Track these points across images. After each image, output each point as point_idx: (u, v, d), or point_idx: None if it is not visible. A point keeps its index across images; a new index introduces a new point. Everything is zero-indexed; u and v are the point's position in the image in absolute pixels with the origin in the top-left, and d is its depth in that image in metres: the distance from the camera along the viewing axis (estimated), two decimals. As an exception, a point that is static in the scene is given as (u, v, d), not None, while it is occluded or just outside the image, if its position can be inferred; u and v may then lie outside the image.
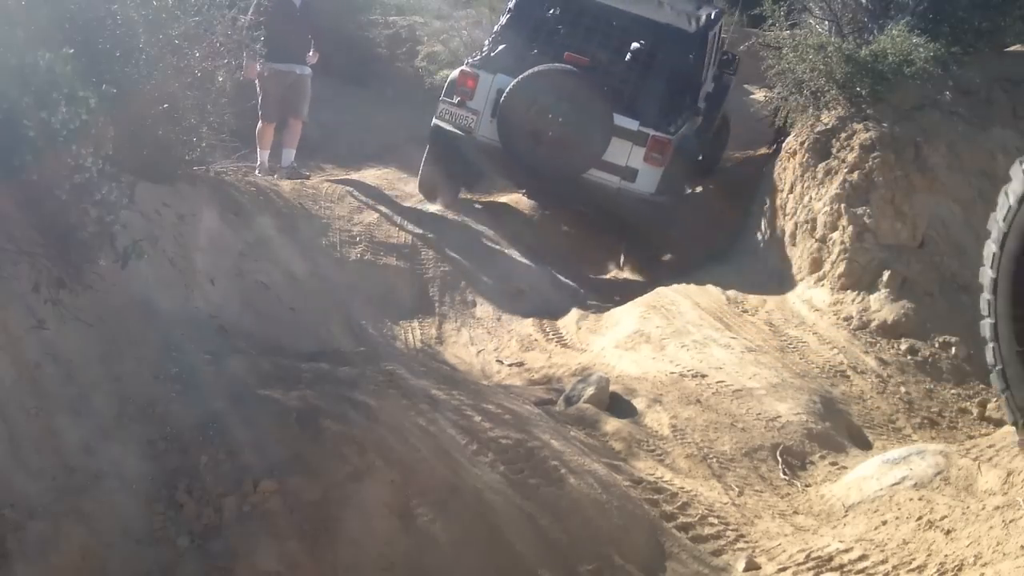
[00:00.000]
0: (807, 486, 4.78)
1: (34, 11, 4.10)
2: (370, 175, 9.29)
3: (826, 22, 8.95)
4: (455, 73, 8.24)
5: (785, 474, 4.81)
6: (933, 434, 5.68)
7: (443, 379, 5.15)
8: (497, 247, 8.12)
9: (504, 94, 7.75)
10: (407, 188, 9.09)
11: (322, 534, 3.62)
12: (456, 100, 8.03)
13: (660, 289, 7.33)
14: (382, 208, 8.32)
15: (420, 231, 8.03)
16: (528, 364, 6.34)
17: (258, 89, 8.32)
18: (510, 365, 6.34)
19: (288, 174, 8.44)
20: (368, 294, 6.85)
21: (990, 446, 4.55)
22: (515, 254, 8.07)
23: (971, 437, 5.49)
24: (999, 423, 5.48)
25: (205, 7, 5.80)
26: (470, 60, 8.28)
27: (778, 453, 4.95)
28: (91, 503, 3.51)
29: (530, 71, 7.75)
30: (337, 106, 9.74)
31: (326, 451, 3.89)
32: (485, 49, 8.29)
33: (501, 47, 8.16)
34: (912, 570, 3.73)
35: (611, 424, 5.03)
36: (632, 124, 7.77)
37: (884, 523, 4.12)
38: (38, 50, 3.88)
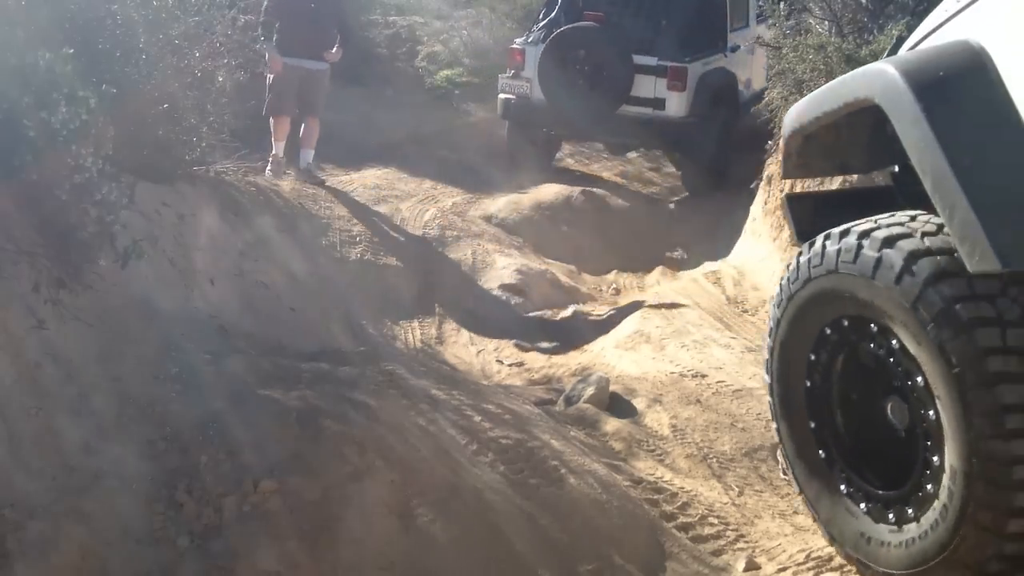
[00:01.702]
0: (807, 486, 4.78)
1: (34, 11, 4.10)
2: (370, 175, 9.29)
3: (826, 22, 8.94)
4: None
5: (785, 474, 4.81)
6: (933, 434, 5.67)
7: (443, 379, 5.15)
8: (498, 247, 8.12)
9: (539, 57, 9.27)
10: (407, 188, 9.10)
11: (322, 534, 3.62)
12: (511, 73, 9.73)
13: (658, 290, 7.33)
14: (382, 208, 8.32)
15: (420, 231, 8.04)
16: (528, 364, 6.34)
17: (267, 80, 8.13)
18: (510, 365, 6.35)
19: (304, 177, 8.27)
20: (368, 294, 6.85)
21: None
22: (516, 254, 8.07)
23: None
24: None
25: (205, 7, 5.80)
26: (518, 41, 10.00)
27: (778, 453, 4.95)
28: (91, 503, 3.51)
29: (555, 33, 9.25)
30: (337, 106, 9.73)
31: (326, 451, 3.89)
32: (532, 32, 9.92)
33: (541, 24, 9.79)
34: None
35: (611, 424, 5.03)
36: (651, 60, 9.12)
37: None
38: (38, 50, 3.88)
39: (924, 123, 2.54)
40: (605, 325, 6.83)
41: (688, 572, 3.94)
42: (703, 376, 5.69)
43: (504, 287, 7.42)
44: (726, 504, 4.41)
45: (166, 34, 5.29)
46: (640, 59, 9.11)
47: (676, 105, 9.07)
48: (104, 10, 4.65)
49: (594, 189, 9.58)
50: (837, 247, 2.69)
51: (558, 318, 7.17)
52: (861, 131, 2.86)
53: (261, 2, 8.11)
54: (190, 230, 5.46)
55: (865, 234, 2.64)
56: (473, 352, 6.56)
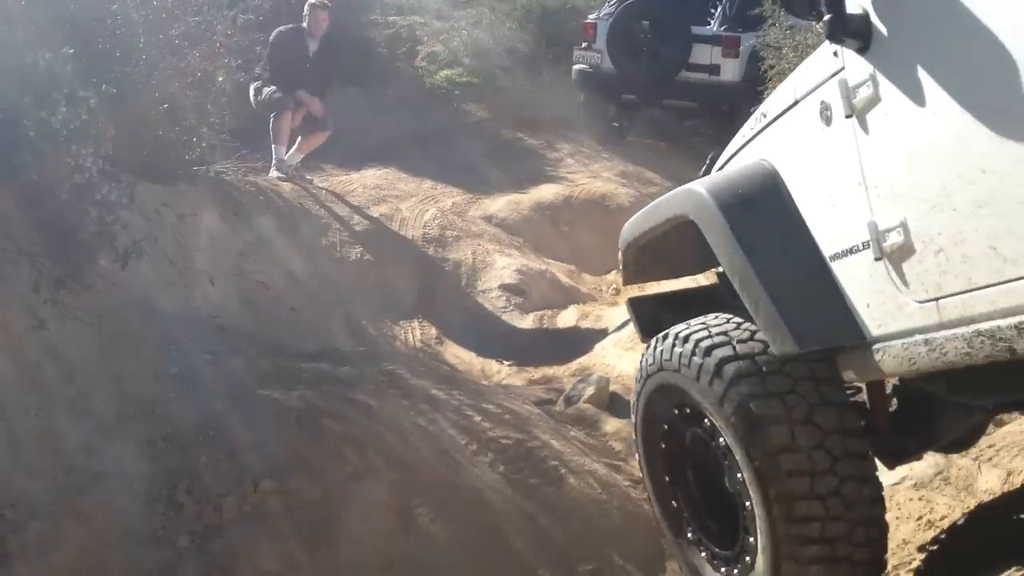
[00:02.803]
0: (807, 486, 4.77)
1: (34, 11, 4.10)
2: (370, 175, 9.29)
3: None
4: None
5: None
6: (933, 434, 5.67)
7: (443, 379, 5.15)
8: (499, 247, 8.12)
9: (607, 29, 10.34)
10: (407, 188, 9.10)
11: (322, 534, 3.62)
12: (584, 46, 10.70)
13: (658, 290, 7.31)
14: (382, 208, 8.31)
15: (420, 231, 8.04)
16: (528, 364, 6.33)
17: (256, 96, 8.12)
18: (510, 365, 6.34)
19: (291, 174, 8.24)
20: (368, 294, 6.84)
21: (990, 446, 4.55)
22: (516, 254, 8.07)
23: (971, 437, 5.48)
24: (998, 424, 5.48)
25: (205, 7, 5.80)
26: (591, 16, 11.01)
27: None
28: (91, 503, 3.51)
29: (621, 6, 10.35)
30: (337, 106, 9.72)
31: (326, 451, 3.89)
32: (604, 7, 10.95)
33: (611, 0, 10.82)
34: (912, 570, 3.73)
35: (611, 424, 5.03)
36: (708, 31, 10.20)
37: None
38: (38, 50, 3.88)
39: (729, 234, 3.02)
40: (605, 325, 6.83)
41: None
42: (703, 376, 5.68)
43: (504, 287, 7.42)
44: (726, 504, 4.42)
45: (166, 34, 5.29)
46: (698, 30, 10.16)
47: (730, 71, 10.11)
48: (104, 10, 4.65)
49: (594, 189, 9.58)
50: (665, 351, 3.16)
51: (558, 318, 7.17)
52: (686, 240, 3.26)
53: (263, 52, 8.12)
54: (190, 230, 5.46)
55: (686, 340, 3.09)
56: (473, 352, 6.56)
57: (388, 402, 4.35)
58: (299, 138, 8.41)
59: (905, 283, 2.69)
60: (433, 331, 6.73)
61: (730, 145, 3.51)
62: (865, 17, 2.67)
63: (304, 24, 8.26)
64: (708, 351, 3.02)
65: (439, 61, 12.03)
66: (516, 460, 4.22)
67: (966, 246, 2.50)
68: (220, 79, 6.19)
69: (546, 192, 9.34)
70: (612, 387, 5.43)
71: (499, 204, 9.10)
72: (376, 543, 3.66)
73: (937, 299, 2.59)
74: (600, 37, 10.58)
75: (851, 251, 2.85)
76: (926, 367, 2.64)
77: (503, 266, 7.75)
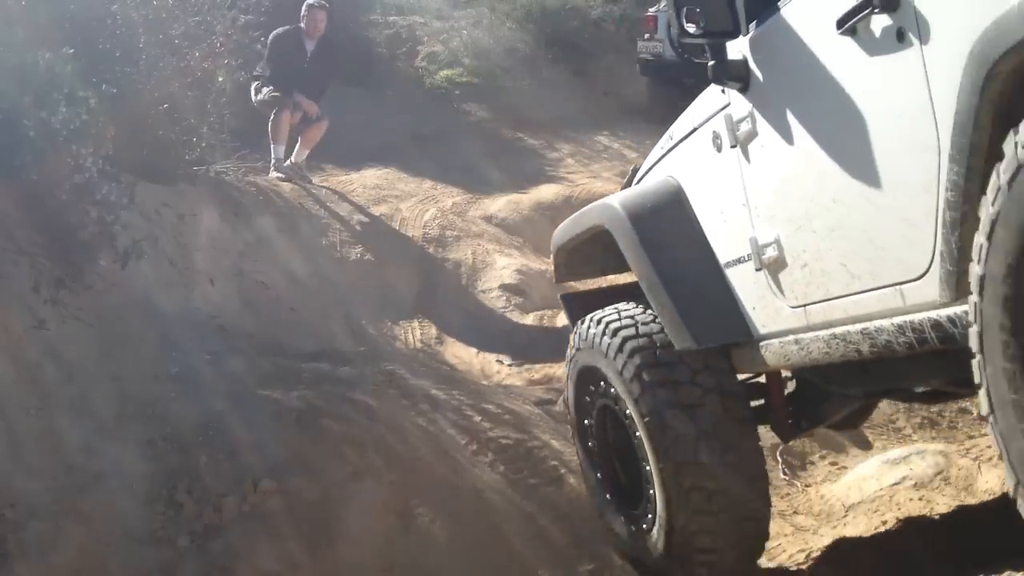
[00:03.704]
0: (807, 486, 4.78)
1: (34, 11, 4.11)
2: (370, 175, 9.29)
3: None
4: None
5: (785, 474, 4.81)
6: (933, 434, 5.67)
7: (443, 379, 5.15)
8: (499, 247, 8.12)
9: (667, 21, 10.67)
10: (407, 188, 9.09)
11: (322, 534, 3.62)
12: (647, 36, 11.26)
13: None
14: (382, 208, 8.31)
15: (420, 231, 8.04)
16: (528, 364, 6.33)
17: (257, 96, 8.14)
18: (510, 365, 6.34)
19: (292, 173, 8.23)
20: (368, 294, 6.84)
21: (990, 446, 4.55)
22: (516, 254, 8.07)
23: (971, 437, 5.48)
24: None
25: (205, 7, 5.80)
26: (652, 8, 11.45)
27: (778, 453, 4.94)
28: (91, 503, 3.51)
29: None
30: (337, 106, 9.72)
31: (326, 451, 3.89)
32: (662, 2, 11.34)
33: None
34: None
35: (611, 424, 5.03)
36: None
37: (884, 523, 4.12)
38: (38, 50, 3.88)
39: (637, 243, 3.49)
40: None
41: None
42: (703, 376, 5.68)
43: (504, 287, 7.42)
44: (726, 504, 4.41)
45: (166, 34, 5.29)
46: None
47: None
48: (104, 10, 4.65)
49: (594, 189, 9.58)
50: (583, 332, 3.69)
51: (558, 318, 7.17)
52: (608, 245, 3.69)
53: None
54: (190, 230, 5.46)
55: (599, 322, 3.63)
56: (473, 352, 6.56)
57: (388, 402, 4.35)
58: (299, 137, 8.40)
59: (780, 291, 3.12)
60: (433, 331, 6.73)
61: (647, 160, 3.94)
62: (744, 63, 3.10)
63: (302, 24, 8.27)
64: (615, 332, 3.53)
65: (439, 61, 12.03)
66: (516, 460, 4.22)
67: (824, 262, 2.92)
68: (220, 79, 6.19)
69: (546, 192, 9.34)
70: (612, 387, 5.43)
71: (499, 204, 9.09)
72: (376, 543, 3.66)
73: (804, 306, 3.02)
74: (661, 28, 11.14)
75: (739, 261, 3.29)
76: (797, 363, 3.10)
77: (503, 266, 7.75)
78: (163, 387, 4.13)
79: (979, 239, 2.23)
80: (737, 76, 3.12)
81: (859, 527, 4.19)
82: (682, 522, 3.36)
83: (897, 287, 2.61)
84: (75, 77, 4.01)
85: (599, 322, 3.64)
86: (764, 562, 4.00)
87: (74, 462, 3.64)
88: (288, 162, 8.20)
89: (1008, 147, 2.12)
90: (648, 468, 3.46)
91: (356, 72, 11.13)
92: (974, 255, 2.25)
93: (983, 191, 2.20)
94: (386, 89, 11.57)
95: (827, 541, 4.10)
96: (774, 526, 4.30)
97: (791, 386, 3.65)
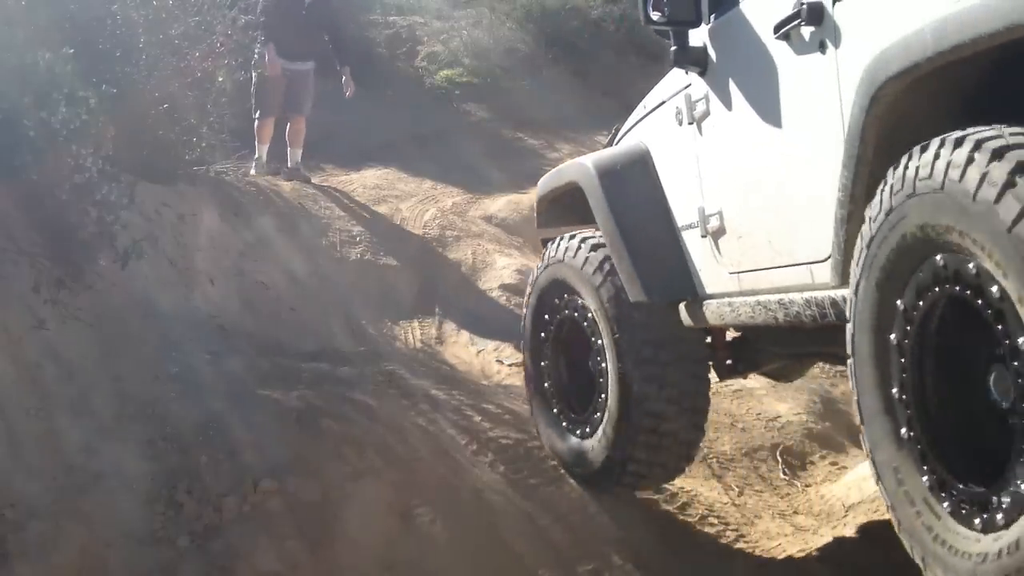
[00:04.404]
0: (807, 486, 4.78)
1: (34, 11, 4.11)
2: (370, 175, 9.28)
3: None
4: None
5: (785, 474, 4.81)
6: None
7: (443, 379, 5.15)
8: (499, 247, 8.12)
9: None
10: (407, 188, 9.09)
11: (322, 534, 3.62)
12: None
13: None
14: (382, 208, 8.31)
15: (421, 231, 8.03)
16: (528, 364, 6.33)
17: (253, 84, 8.17)
18: (510, 365, 6.34)
19: (293, 175, 8.29)
20: (368, 294, 6.84)
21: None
22: (516, 254, 8.07)
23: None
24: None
25: (205, 7, 5.80)
26: None
27: (778, 453, 4.95)
28: (91, 503, 3.51)
29: None
30: (337, 106, 9.72)
31: (326, 451, 3.89)
32: None
33: None
34: (912, 570, 3.73)
35: (611, 424, 5.02)
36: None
37: (885, 523, 4.12)
38: (38, 50, 3.88)
39: (604, 201, 3.84)
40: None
41: (688, 572, 3.94)
42: (703, 376, 5.68)
43: (504, 287, 7.41)
44: (726, 504, 4.41)
45: (166, 34, 5.30)
46: None
47: None
48: (104, 10, 4.65)
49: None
50: (561, 247, 4.11)
51: (558, 318, 7.18)
52: (585, 198, 3.99)
53: (257, 3, 8.11)
54: (190, 230, 5.46)
55: (575, 237, 4.05)
56: (473, 352, 6.56)
57: (388, 402, 4.35)
58: (287, 140, 8.44)
59: (721, 257, 3.46)
60: (433, 331, 6.72)
61: (626, 123, 4.27)
62: (704, 49, 3.40)
63: None
64: (594, 247, 3.93)
65: (439, 61, 12.02)
66: (516, 460, 4.22)
67: (755, 236, 3.25)
68: (220, 79, 6.19)
69: (546, 192, 9.32)
70: (612, 387, 5.43)
71: (499, 204, 9.09)
72: (376, 543, 3.65)
73: (738, 273, 3.37)
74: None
75: (690, 226, 3.64)
76: (730, 322, 3.48)
77: (503, 266, 7.74)
78: (163, 387, 4.12)
79: (858, 246, 2.51)
80: (696, 61, 3.42)
81: (859, 527, 4.19)
82: (626, 437, 3.78)
83: (808, 266, 2.93)
84: (75, 77, 4.01)
85: (574, 237, 4.03)
86: (763, 558, 4.01)
87: (74, 462, 3.64)
88: (285, 168, 8.28)
89: (880, 194, 2.41)
90: (603, 381, 3.87)
91: (356, 72, 11.13)
92: (852, 264, 2.53)
93: (867, 197, 2.49)
94: (386, 89, 11.55)
95: (827, 541, 4.11)
96: (774, 526, 4.31)
97: (733, 334, 4.01)
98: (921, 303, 2.34)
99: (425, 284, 7.30)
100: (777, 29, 2.92)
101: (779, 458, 4.91)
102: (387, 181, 9.18)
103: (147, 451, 3.78)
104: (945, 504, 2.31)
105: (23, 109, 3.82)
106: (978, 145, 2.09)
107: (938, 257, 2.25)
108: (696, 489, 4.50)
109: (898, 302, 2.40)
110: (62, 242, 4.07)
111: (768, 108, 3.07)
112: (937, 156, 2.20)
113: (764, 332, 3.49)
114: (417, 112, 11.03)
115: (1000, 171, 2.01)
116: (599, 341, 3.89)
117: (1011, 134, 2.08)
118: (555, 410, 4.19)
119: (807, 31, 2.81)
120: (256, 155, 8.17)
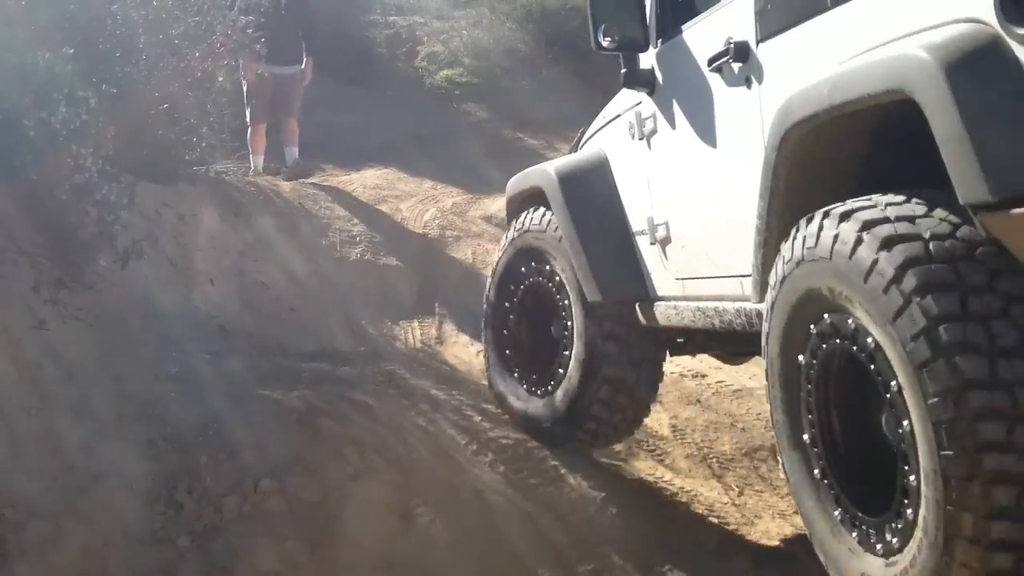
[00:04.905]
0: (807, 486, 4.77)
1: (34, 11, 4.10)
2: (370, 175, 9.28)
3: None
4: None
5: (784, 476, 4.81)
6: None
7: (443, 379, 5.15)
8: (498, 247, 8.11)
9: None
10: (407, 188, 9.09)
11: (322, 534, 3.62)
12: None
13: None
14: (382, 208, 8.31)
15: (421, 231, 8.03)
16: (528, 364, 6.33)
17: (245, 90, 8.17)
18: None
19: (294, 172, 8.28)
20: (368, 294, 6.84)
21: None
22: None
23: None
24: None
25: (205, 7, 5.80)
26: None
27: (778, 453, 4.95)
28: (91, 503, 3.51)
29: None
30: (337, 106, 9.72)
31: (326, 451, 3.89)
32: None
33: None
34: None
35: (611, 424, 5.02)
36: None
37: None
38: (38, 50, 3.88)
39: (564, 205, 4.09)
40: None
41: (688, 572, 3.94)
42: (703, 376, 5.69)
43: (504, 287, 7.42)
44: (726, 504, 4.41)
45: (166, 34, 5.29)
46: None
47: None
48: (104, 10, 4.65)
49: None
50: (534, 218, 4.39)
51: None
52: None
53: (259, 4, 8.10)
54: (190, 230, 5.46)
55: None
56: (473, 352, 6.55)
57: (388, 402, 4.35)
58: (282, 142, 8.43)
59: (668, 263, 3.74)
60: (433, 331, 6.72)
61: (588, 130, 4.54)
62: (652, 72, 3.68)
63: None
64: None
65: (439, 61, 12.02)
66: (516, 460, 4.22)
67: (696, 248, 3.54)
68: (220, 79, 6.19)
69: (546, 192, 9.32)
70: (612, 387, 5.43)
71: (499, 204, 9.06)
72: (376, 543, 3.66)
73: (683, 279, 3.67)
74: None
75: (643, 232, 3.89)
76: (676, 324, 3.75)
77: (503, 266, 7.74)
78: (163, 387, 4.12)
79: (768, 296, 2.75)
80: (645, 82, 3.70)
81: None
82: (587, 394, 4.08)
83: (739, 278, 3.18)
84: (75, 77, 4.01)
85: (538, 209, 4.33)
86: (763, 559, 4.00)
87: (74, 462, 3.64)
88: (284, 167, 8.28)
89: (780, 261, 2.66)
90: (568, 338, 4.18)
91: (356, 72, 11.13)
92: (764, 304, 2.79)
93: (780, 226, 2.76)
94: (386, 89, 11.55)
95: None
96: (774, 526, 4.31)
97: None
98: (817, 358, 2.64)
99: (425, 284, 7.30)
100: (711, 63, 3.19)
101: (779, 458, 4.91)
102: (387, 181, 9.18)
103: (147, 451, 3.78)
104: (854, 534, 2.58)
105: (23, 109, 3.82)
106: (851, 218, 2.37)
107: (826, 316, 2.54)
108: (696, 489, 4.50)
109: (800, 357, 2.70)
110: (62, 242, 4.07)
111: (705, 131, 3.34)
112: (821, 228, 2.47)
113: (707, 334, 3.70)
114: (417, 112, 11.03)
115: (870, 243, 2.28)
116: (565, 301, 4.19)
117: (886, 205, 2.34)
118: (515, 373, 4.49)
119: (736, 66, 3.06)
120: (252, 167, 8.16)
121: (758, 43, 2.95)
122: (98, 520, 3.46)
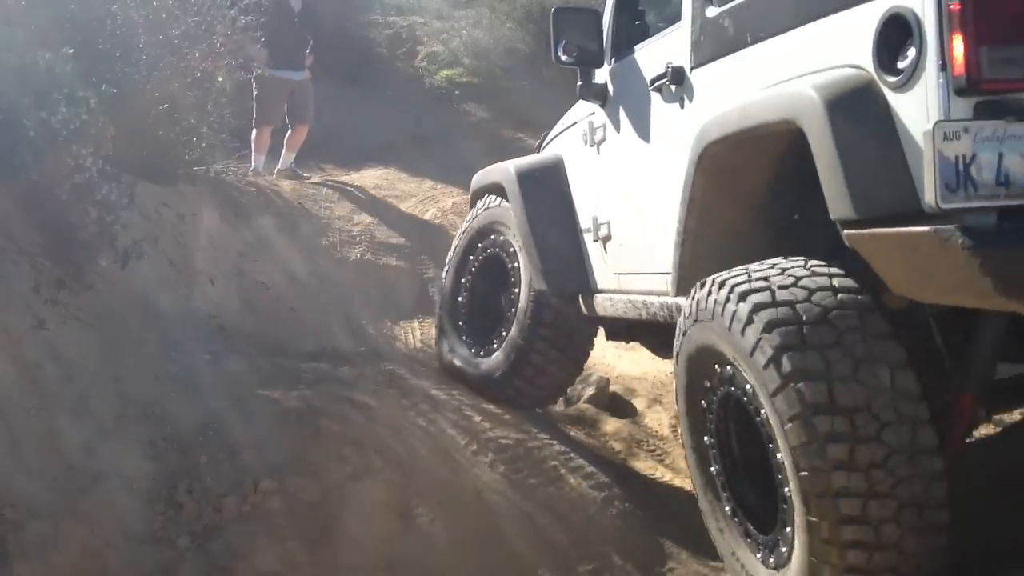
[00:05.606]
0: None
1: (34, 11, 4.10)
2: (370, 175, 9.29)
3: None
4: None
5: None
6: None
7: (443, 379, 5.14)
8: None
9: None
10: (407, 188, 9.09)
11: (322, 534, 3.62)
12: None
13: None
14: (381, 208, 8.31)
15: (420, 231, 8.03)
16: (528, 364, 6.32)
17: (254, 92, 8.19)
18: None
19: (286, 175, 8.33)
20: (368, 294, 6.84)
21: (988, 445, 4.55)
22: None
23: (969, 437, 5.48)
24: (998, 424, 5.48)
25: (205, 7, 5.79)
26: None
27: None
28: (91, 503, 3.51)
29: None
30: (337, 106, 9.72)
31: (326, 451, 3.89)
32: None
33: None
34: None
35: (611, 424, 5.03)
36: None
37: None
38: (38, 50, 3.88)
39: (520, 201, 4.45)
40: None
41: (688, 572, 3.94)
42: (703, 376, 5.68)
43: (504, 287, 7.42)
44: (726, 504, 4.41)
45: (166, 34, 5.28)
46: None
47: None
48: (104, 10, 4.65)
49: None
50: (490, 199, 4.87)
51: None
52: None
53: (259, 4, 8.10)
54: (190, 230, 5.46)
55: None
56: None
57: (388, 402, 4.35)
58: (284, 142, 8.44)
59: (608, 259, 4.08)
60: (433, 331, 6.72)
61: (550, 134, 4.86)
62: (605, 86, 4.06)
63: None
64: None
65: (439, 61, 12.01)
66: (516, 460, 4.22)
67: (631, 246, 3.91)
68: (220, 79, 6.18)
69: (546, 192, 9.31)
70: (612, 387, 5.43)
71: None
72: (376, 543, 3.66)
73: (620, 274, 4.01)
74: None
75: (588, 230, 4.23)
76: (611, 314, 4.07)
77: (503, 266, 7.73)
78: (163, 387, 4.12)
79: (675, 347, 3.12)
80: (598, 95, 4.08)
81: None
82: (527, 351, 4.53)
83: (664, 275, 3.47)
84: (75, 77, 4.01)
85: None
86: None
87: (74, 462, 3.64)
88: (277, 170, 8.29)
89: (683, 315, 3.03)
90: (517, 295, 4.59)
91: (356, 72, 11.13)
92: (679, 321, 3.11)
93: (696, 231, 3.18)
94: (386, 89, 11.55)
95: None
96: (774, 526, 4.31)
97: None
98: (715, 401, 3.03)
99: (425, 284, 7.30)
100: (652, 82, 3.57)
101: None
102: (387, 181, 9.18)
103: (147, 451, 3.78)
104: (758, 555, 2.94)
105: (23, 109, 3.81)
106: (726, 284, 2.77)
107: (716, 366, 2.92)
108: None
109: (702, 402, 3.10)
110: (62, 242, 4.07)
111: (644, 143, 3.73)
112: (709, 293, 2.84)
113: (638, 324, 4.03)
114: (417, 112, 11.03)
115: (734, 299, 2.70)
116: (515, 264, 4.64)
117: (752, 272, 2.75)
118: (464, 336, 4.98)
119: (672, 87, 3.45)
120: (252, 166, 8.17)
121: (692, 69, 3.36)
122: (98, 520, 3.46)
